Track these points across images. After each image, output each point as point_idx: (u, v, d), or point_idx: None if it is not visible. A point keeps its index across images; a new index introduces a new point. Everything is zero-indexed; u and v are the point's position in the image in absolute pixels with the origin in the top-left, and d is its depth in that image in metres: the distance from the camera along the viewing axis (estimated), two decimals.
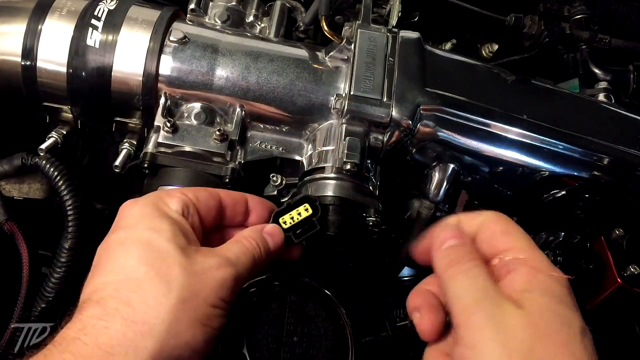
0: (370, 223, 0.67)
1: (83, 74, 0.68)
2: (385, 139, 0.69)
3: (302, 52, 0.74)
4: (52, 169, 0.70)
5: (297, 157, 0.74)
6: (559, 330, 0.42)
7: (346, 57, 0.73)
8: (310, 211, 0.59)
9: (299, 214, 0.59)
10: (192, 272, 0.48)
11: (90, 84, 0.69)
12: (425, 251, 0.51)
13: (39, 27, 0.68)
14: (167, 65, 0.70)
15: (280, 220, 0.59)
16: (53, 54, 0.68)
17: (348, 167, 0.64)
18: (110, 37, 0.68)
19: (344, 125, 0.68)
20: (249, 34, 0.78)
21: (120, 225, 0.51)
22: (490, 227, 0.49)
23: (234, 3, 0.81)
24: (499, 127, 0.69)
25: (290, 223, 0.59)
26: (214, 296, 0.48)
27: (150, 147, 0.69)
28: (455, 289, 0.45)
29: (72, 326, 0.45)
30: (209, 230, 0.57)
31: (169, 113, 0.70)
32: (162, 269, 0.47)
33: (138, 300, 0.45)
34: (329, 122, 0.72)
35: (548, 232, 0.80)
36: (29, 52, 0.68)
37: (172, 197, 0.53)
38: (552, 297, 0.43)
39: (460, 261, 0.46)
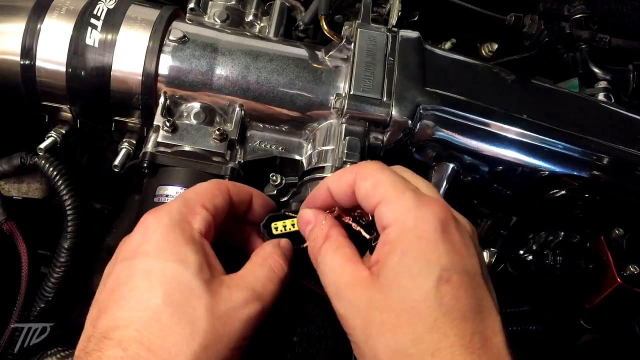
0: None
1: (82, 73, 0.68)
2: (385, 138, 0.69)
3: (302, 52, 0.74)
4: (51, 169, 0.70)
5: (297, 157, 0.74)
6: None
7: (346, 57, 0.73)
8: None
9: (293, 225, 0.57)
10: (217, 315, 0.46)
11: (89, 84, 0.69)
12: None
13: (38, 26, 0.68)
14: (167, 65, 0.70)
15: (273, 225, 0.58)
16: (52, 53, 0.68)
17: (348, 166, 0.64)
18: (109, 37, 0.68)
19: (344, 125, 0.68)
20: (248, 33, 0.78)
21: (144, 251, 0.49)
22: (361, 184, 0.50)
23: (233, 2, 0.80)
24: (498, 127, 0.69)
25: (282, 231, 0.57)
26: (237, 339, 0.47)
27: (149, 147, 0.69)
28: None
29: None
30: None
31: (168, 112, 0.70)
32: (187, 310, 0.46)
33: (160, 346, 0.44)
34: (328, 121, 0.72)
35: (548, 232, 0.80)
36: (28, 51, 0.67)
37: (196, 215, 0.51)
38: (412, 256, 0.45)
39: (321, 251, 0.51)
